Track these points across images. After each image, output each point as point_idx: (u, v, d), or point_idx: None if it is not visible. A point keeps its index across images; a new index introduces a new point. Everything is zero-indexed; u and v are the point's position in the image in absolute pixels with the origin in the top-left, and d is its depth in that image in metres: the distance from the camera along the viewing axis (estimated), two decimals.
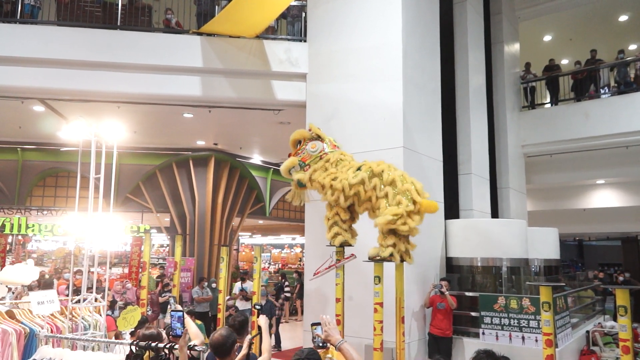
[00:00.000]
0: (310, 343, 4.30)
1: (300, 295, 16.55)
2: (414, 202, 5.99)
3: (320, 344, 3.95)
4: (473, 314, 8.39)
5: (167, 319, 9.35)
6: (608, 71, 13.91)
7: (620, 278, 16.70)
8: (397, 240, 6.01)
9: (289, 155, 7.05)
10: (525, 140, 13.48)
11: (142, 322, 5.59)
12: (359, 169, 6.43)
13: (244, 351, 4.00)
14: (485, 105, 11.27)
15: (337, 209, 6.54)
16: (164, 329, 5.40)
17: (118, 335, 6.54)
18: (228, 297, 11.43)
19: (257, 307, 6.87)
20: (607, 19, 15.94)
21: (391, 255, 5.99)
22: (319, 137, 6.92)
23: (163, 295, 11.90)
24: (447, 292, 7.96)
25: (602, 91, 13.67)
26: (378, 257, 6.09)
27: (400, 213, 5.91)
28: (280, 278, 15.92)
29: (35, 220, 15.50)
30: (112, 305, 9.68)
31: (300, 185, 6.86)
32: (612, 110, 12.38)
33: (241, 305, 12.27)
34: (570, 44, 17.63)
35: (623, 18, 15.84)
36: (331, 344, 3.41)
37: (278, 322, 13.11)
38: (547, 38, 17.29)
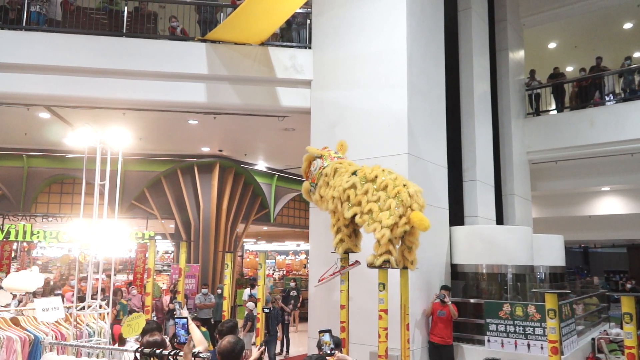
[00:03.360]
0: (315, 349, 4.30)
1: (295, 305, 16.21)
2: (403, 205, 5.96)
3: (328, 351, 3.96)
4: (477, 321, 8.35)
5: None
6: (613, 78, 13.89)
7: (628, 285, 16.65)
8: (391, 248, 5.99)
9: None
10: (530, 147, 13.46)
11: (156, 328, 5.55)
12: (354, 173, 6.48)
13: (255, 356, 4.00)
14: (490, 112, 11.26)
15: (338, 214, 6.58)
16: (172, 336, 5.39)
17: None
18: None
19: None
20: (612, 26, 15.92)
21: (386, 262, 5.97)
22: (317, 157, 7.10)
23: (173, 302, 11.90)
24: (449, 302, 7.92)
25: (607, 98, 13.65)
26: (373, 265, 6.08)
27: (393, 222, 5.90)
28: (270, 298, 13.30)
29: (40, 227, 15.55)
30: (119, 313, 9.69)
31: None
32: (617, 118, 12.35)
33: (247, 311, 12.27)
34: (575, 51, 17.62)
35: (628, 26, 15.82)
36: None
37: (287, 328, 13.09)
38: (552, 45, 17.28)
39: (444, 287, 8.26)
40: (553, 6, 14.04)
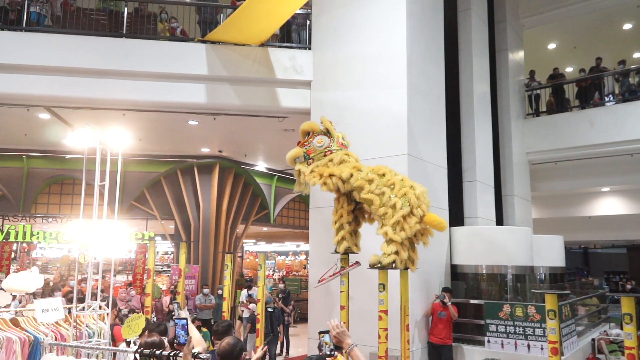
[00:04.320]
0: (315, 350, 4.29)
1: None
2: (410, 206, 5.98)
3: (328, 352, 3.94)
4: (476, 321, 8.35)
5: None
6: (612, 79, 13.90)
7: (628, 286, 16.67)
8: (400, 248, 6.00)
9: (297, 144, 7.09)
10: (529, 147, 13.47)
11: (163, 331, 5.53)
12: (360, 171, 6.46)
13: (258, 355, 4.00)
14: (489, 113, 11.26)
15: (341, 211, 6.56)
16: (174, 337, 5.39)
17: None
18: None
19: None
20: (611, 27, 15.93)
21: (393, 262, 5.97)
22: (327, 133, 6.94)
23: (172, 303, 11.89)
24: (449, 303, 7.90)
25: (606, 99, 13.66)
26: (379, 265, 6.07)
27: (396, 221, 5.92)
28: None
29: (40, 228, 15.55)
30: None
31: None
32: (616, 118, 12.36)
33: (247, 312, 12.25)
34: (574, 52, 17.63)
35: (627, 26, 15.83)
36: (342, 348, 3.41)
37: (287, 328, 13.07)
38: (552, 46, 17.30)
39: (445, 289, 8.25)
40: (552, 7, 14.05)
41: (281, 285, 15.80)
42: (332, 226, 6.75)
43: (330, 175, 6.48)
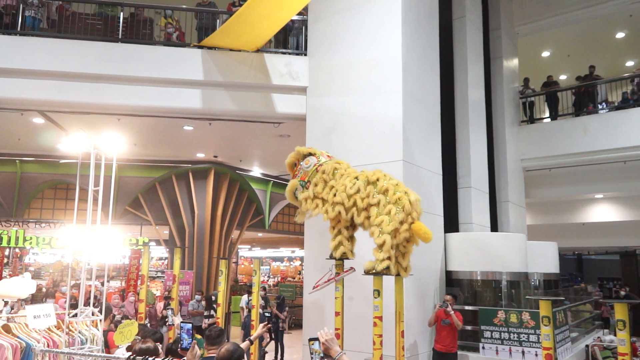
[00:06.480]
0: (309, 357, 4.28)
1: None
2: (404, 211, 5.96)
3: None
4: (471, 328, 8.33)
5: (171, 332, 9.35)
6: (606, 87, 14.00)
7: (622, 292, 16.74)
8: (392, 254, 5.98)
9: (291, 179, 7.09)
10: (524, 154, 13.52)
11: (159, 339, 5.48)
12: (356, 178, 6.44)
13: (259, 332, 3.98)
14: (484, 120, 11.30)
15: (341, 218, 6.54)
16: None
17: None
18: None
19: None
20: (604, 36, 16.08)
21: (387, 268, 5.95)
22: (310, 154, 6.96)
23: (166, 308, 11.84)
24: (452, 312, 7.75)
25: (599, 107, 13.76)
26: (373, 271, 6.05)
27: (393, 229, 5.90)
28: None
29: (33, 233, 15.42)
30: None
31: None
32: (610, 126, 12.44)
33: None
34: (568, 60, 17.77)
35: (620, 35, 15.98)
36: (330, 356, 3.38)
37: (282, 334, 13.03)
38: (546, 54, 17.42)
39: (449, 293, 8.15)
40: (547, 15, 14.14)
41: (262, 292, 15.60)
42: (329, 231, 6.72)
43: (333, 203, 6.45)
